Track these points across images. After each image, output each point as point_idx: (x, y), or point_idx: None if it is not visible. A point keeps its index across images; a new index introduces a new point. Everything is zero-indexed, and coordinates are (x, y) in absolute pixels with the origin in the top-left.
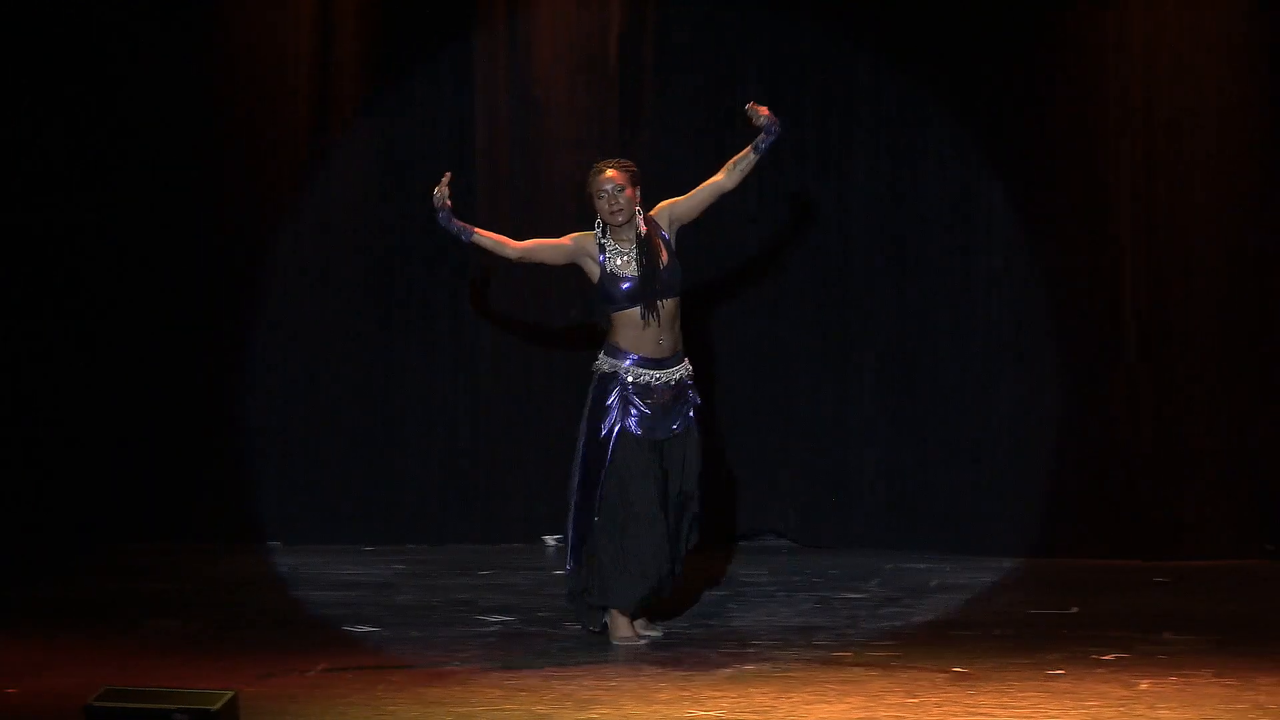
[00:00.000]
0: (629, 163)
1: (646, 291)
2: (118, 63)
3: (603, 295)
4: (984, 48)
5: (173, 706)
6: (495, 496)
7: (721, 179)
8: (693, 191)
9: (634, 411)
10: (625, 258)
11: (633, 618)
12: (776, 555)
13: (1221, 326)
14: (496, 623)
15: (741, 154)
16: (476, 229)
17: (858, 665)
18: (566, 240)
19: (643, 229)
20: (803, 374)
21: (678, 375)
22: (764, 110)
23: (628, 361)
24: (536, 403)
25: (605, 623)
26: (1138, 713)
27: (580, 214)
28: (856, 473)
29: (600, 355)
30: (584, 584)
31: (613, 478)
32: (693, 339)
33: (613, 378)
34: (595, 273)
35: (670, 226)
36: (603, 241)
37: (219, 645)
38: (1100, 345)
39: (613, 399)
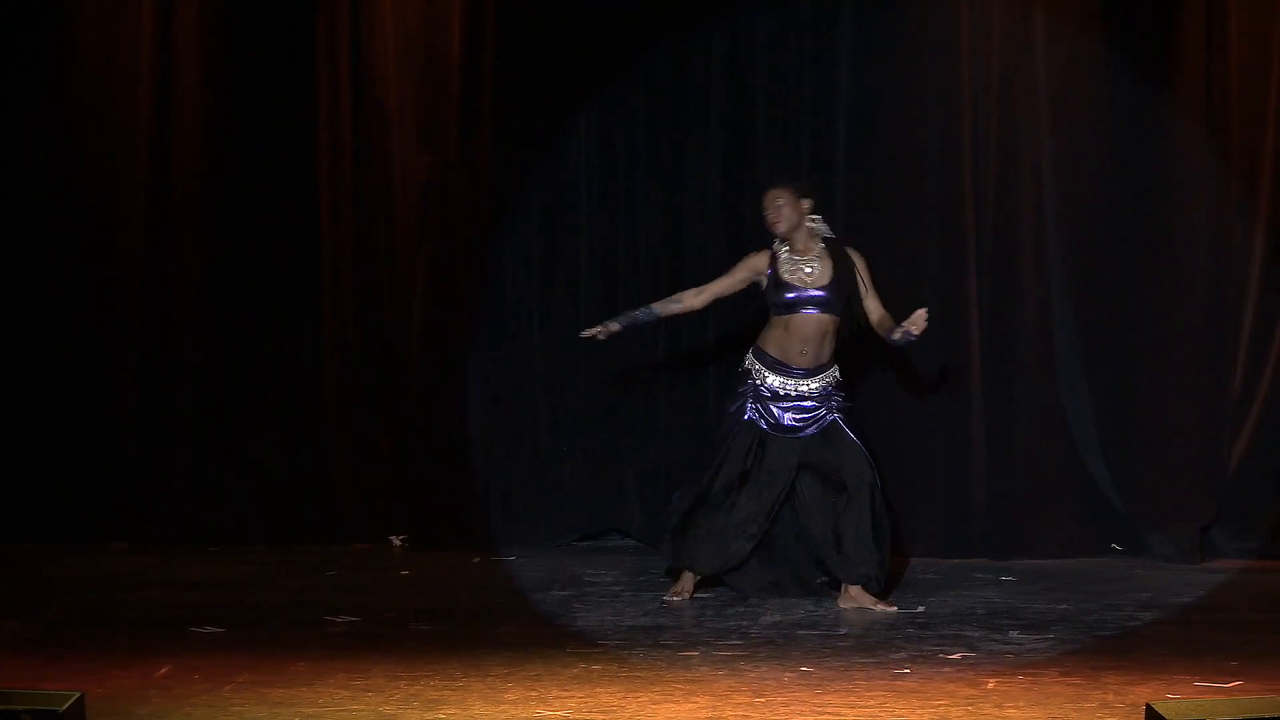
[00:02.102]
0: (796, 182)
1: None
2: None
3: (768, 299)
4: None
5: (20, 708)
6: (342, 496)
7: (877, 322)
8: (875, 300)
9: (760, 407)
10: (791, 267)
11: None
12: (622, 555)
13: (1062, 336)
14: (343, 623)
15: (892, 328)
16: (653, 306)
17: (704, 665)
18: (737, 270)
19: (820, 245)
20: (648, 374)
21: (812, 387)
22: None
23: (765, 364)
24: (385, 401)
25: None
26: (985, 712)
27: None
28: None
29: (748, 353)
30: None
31: (720, 455)
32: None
33: (748, 375)
34: (764, 283)
35: (858, 277)
36: (779, 253)
37: (65, 646)
38: (948, 349)
39: (744, 394)
